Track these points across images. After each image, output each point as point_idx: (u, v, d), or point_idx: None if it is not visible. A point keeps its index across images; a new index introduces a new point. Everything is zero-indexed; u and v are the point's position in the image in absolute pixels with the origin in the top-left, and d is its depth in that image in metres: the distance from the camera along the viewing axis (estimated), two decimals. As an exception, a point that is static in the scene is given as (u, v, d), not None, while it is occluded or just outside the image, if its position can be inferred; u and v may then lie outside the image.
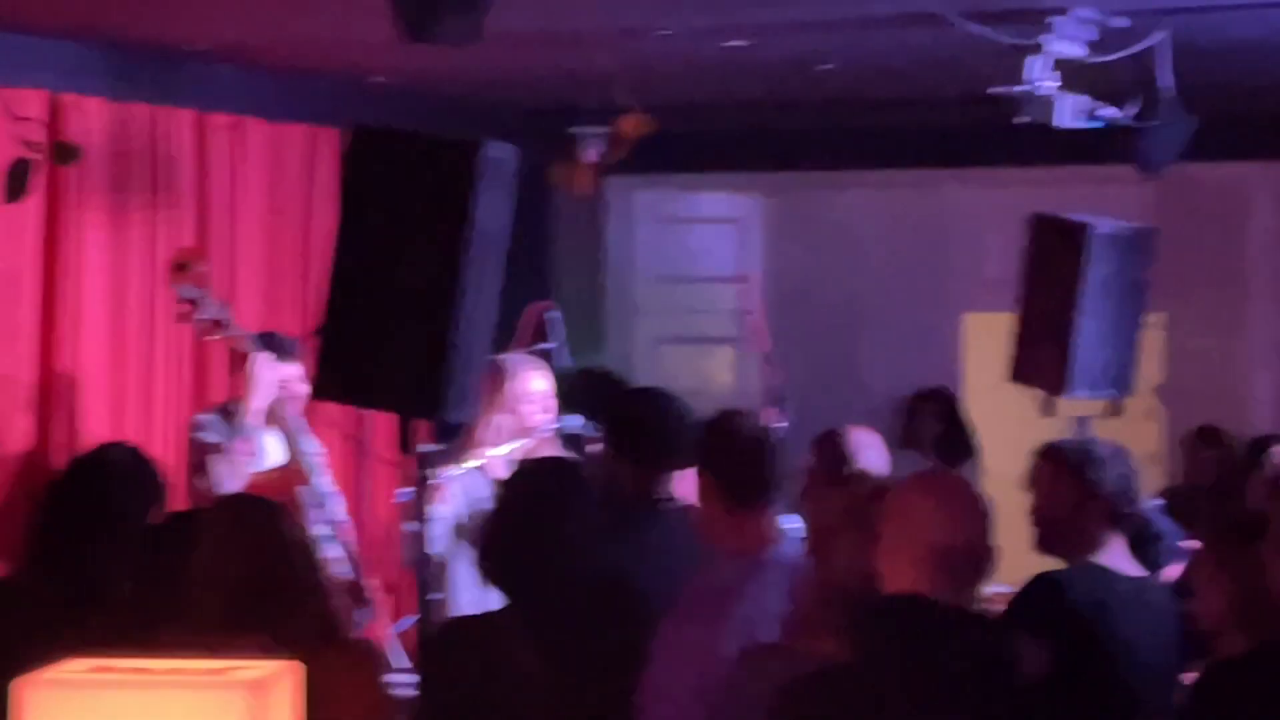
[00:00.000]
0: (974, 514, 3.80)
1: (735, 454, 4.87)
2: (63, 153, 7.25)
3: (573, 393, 7.11)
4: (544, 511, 4.65)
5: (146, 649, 4.11)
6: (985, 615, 3.83)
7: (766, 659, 4.20)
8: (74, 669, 3.19)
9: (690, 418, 5.69)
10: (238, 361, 6.89)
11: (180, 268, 6.85)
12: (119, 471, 5.35)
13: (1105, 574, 5.07)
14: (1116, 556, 5.12)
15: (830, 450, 6.00)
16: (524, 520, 4.66)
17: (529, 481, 4.84)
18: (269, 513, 4.54)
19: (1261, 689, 4.06)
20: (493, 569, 4.65)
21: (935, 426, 9.52)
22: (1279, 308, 10.40)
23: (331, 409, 6.75)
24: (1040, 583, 5.00)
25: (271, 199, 8.57)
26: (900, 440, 8.56)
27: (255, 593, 4.31)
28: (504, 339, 7.04)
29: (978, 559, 3.75)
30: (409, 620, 6.85)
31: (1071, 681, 4.82)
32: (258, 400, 6.77)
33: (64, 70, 7.57)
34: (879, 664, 3.65)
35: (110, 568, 5.02)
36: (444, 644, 4.66)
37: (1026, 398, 7.19)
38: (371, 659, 4.50)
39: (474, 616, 4.83)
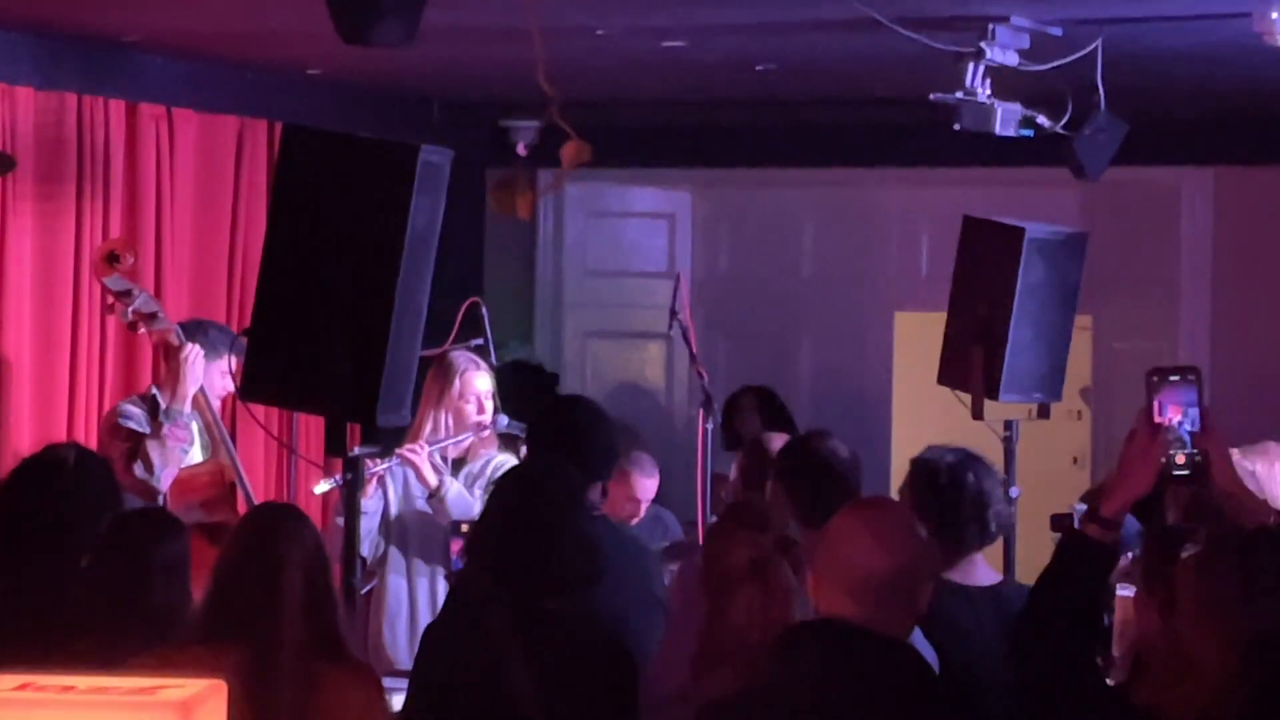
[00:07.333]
0: (906, 542, 3.79)
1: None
2: (-3, 162, 7.20)
3: (500, 388, 7.10)
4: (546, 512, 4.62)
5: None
6: (908, 643, 3.81)
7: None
8: (-3, 687, 3.14)
9: (613, 427, 5.69)
10: (168, 354, 6.81)
11: (109, 259, 6.72)
12: (71, 475, 5.06)
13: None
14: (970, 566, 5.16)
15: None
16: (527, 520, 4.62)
17: (530, 483, 4.81)
18: (297, 520, 4.45)
19: None
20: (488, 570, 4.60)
21: (754, 421, 9.53)
22: (1208, 310, 10.44)
23: (258, 409, 6.70)
24: None
25: (202, 191, 8.50)
26: (724, 442, 8.57)
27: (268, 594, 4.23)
28: (437, 334, 7.01)
29: (909, 587, 3.74)
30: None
31: None
32: (190, 388, 6.69)
33: (-7, 59, 7.51)
34: (797, 687, 3.64)
35: (67, 574, 4.82)
36: (432, 646, 4.60)
37: (956, 397, 7.20)
38: (377, 685, 4.40)
39: (465, 620, 4.75)
